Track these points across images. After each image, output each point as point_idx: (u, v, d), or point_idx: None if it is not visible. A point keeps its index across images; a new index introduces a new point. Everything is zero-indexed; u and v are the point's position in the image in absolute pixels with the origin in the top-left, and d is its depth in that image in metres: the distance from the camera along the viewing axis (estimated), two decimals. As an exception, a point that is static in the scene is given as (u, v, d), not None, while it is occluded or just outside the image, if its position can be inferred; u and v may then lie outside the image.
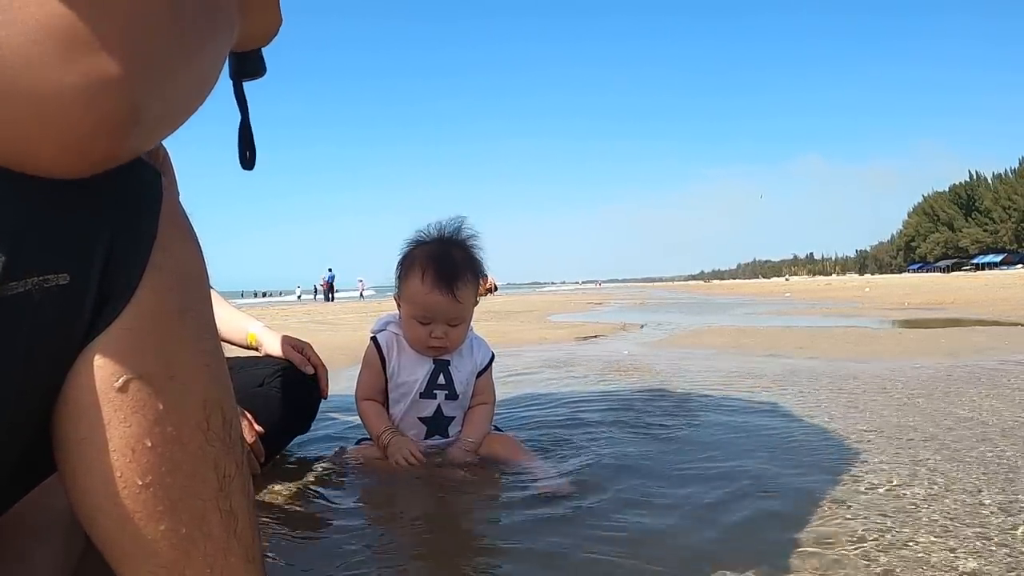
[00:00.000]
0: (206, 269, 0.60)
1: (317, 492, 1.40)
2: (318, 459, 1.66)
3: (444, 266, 1.50)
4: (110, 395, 0.51)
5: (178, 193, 0.87)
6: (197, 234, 0.60)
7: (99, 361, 0.51)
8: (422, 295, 1.50)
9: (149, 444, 0.52)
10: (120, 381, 0.52)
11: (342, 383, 1.75)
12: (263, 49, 0.79)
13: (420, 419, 1.57)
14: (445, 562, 1.04)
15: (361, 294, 39.49)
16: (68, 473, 0.53)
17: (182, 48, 0.50)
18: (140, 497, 0.53)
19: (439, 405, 1.57)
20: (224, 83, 0.78)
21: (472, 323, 1.66)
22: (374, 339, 1.59)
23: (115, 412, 0.52)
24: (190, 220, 0.60)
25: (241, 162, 0.80)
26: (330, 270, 34.26)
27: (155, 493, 0.53)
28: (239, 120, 0.78)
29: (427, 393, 1.56)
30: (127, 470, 0.52)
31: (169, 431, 0.53)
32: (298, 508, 1.30)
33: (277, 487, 1.42)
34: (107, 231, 0.51)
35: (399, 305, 1.59)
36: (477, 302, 1.63)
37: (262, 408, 1.44)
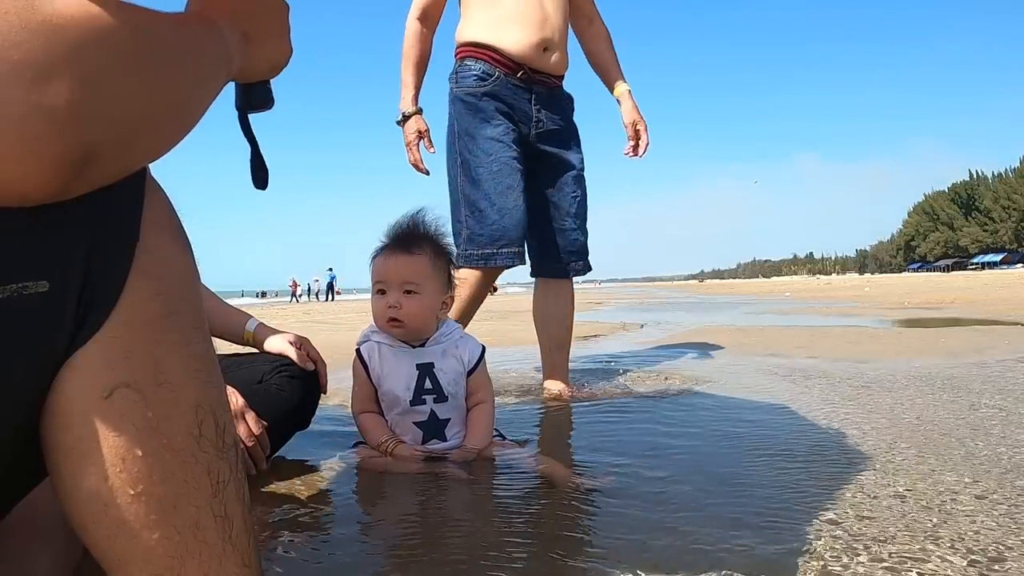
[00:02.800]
0: (196, 269, 0.59)
1: (315, 492, 1.39)
2: (317, 457, 1.66)
3: (398, 231, 1.56)
4: (97, 405, 0.51)
5: None
6: (188, 234, 0.59)
7: (84, 371, 0.50)
8: (378, 261, 1.54)
9: (140, 453, 0.52)
10: (106, 390, 0.51)
11: (342, 380, 1.75)
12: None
13: (415, 424, 1.56)
14: (447, 563, 1.04)
15: (316, 295, 37.23)
16: (59, 482, 0.53)
17: (153, 82, 0.48)
18: (132, 507, 0.52)
19: (431, 410, 1.55)
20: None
21: (461, 321, 1.64)
22: (358, 350, 1.59)
23: (103, 422, 0.51)
24: (180, 219, 0.59)
25: (254, 182, 0.78)
26: (330, 270, 34.30)
27: (147, 502, 0.52)
28: (249, 151, 0.76)
29: (416, 400, 1.54)
30: (118, 480, 0.51)
31: (160, 439, 0.53)
32: (296, 508, 1.29)
33: (275, 486, 1.41)
34: (86, 237, 0.50)
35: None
36: (452, 292, 1.61)
37: (261, 404, 1.45)
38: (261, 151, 0.76)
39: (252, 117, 0.78)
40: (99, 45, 0.43)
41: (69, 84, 0.41)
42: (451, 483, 1.42)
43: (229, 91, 0.71)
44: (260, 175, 0.77)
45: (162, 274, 0.54)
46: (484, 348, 1.63)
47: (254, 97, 0.76)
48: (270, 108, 0.77)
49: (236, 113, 0.77)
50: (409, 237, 1.54)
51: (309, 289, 37.97)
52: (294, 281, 38.24)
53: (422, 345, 1.57)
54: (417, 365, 1.54)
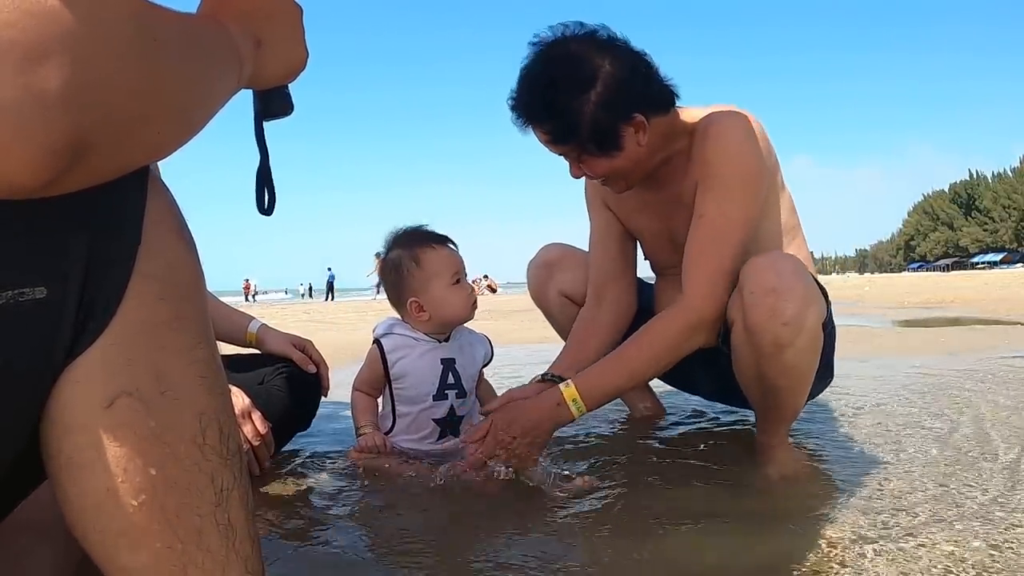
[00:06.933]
0: (201, 271, 0.58)
1: (316, 493, 1.39)
2: (318, 457, 1.65)
3: (430, 232, 1.60)
4: (98, 414, 0.49)
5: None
6: (193, 234, 0.58)
7: (84, 379, 0.49)
8: (445, 257, 1.56)
9: (142, 463, 0.51)
10: (108, 400, 0.49)
11: (343, 381, 1.75)
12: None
13: (434, 421, 1.57)
14: (449, 563, 1.03)
15: (246, 296, 36.08)
16: (60, 490, 0.52)
17: (153, 73, 0.46)
18: (134, 516, 0.51)
19: (451, 405, 1.57)
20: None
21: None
22: (378, 342, 1.58)
23: (104, 432, 0.49)
24: (184, 217, 0.57)
25: (259, 207, 0.74)
26: (329, 269, 34.31)
27: (150, 512, 0.51)
28: (258, 162, 0.74)
29: (439, 395, 1.56)
30: (120, 489, 0.50)
31: (163, 449, 0.52)
32: (297, 509, 1.29)
33: (276, 486, 1.41)
34: (85, 239, 0.48)
35: (412, 303, 1.55)
36: None
37: (263, 406, 1.46)
38: (270, 166, 0.74)
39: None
40: (97, 29, 0.41)
41: (62, 67, 0.39)
42: (452, 484, 1.41)
43: (244, 99, 0.70)
44: (265, 196, 0.74)
45: (166, 277, 0.53)
46: (490, 341, 1.70)
47: (272, 104, 0.75)
48: (289, 115, 0.76)
49: (247, 122, 0.75)
50: (447, 238, 1.60)
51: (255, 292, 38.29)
52: (247, 281, 38.13)
53: (446, 339, 1.59)
54: (441, 360, 1.57)
